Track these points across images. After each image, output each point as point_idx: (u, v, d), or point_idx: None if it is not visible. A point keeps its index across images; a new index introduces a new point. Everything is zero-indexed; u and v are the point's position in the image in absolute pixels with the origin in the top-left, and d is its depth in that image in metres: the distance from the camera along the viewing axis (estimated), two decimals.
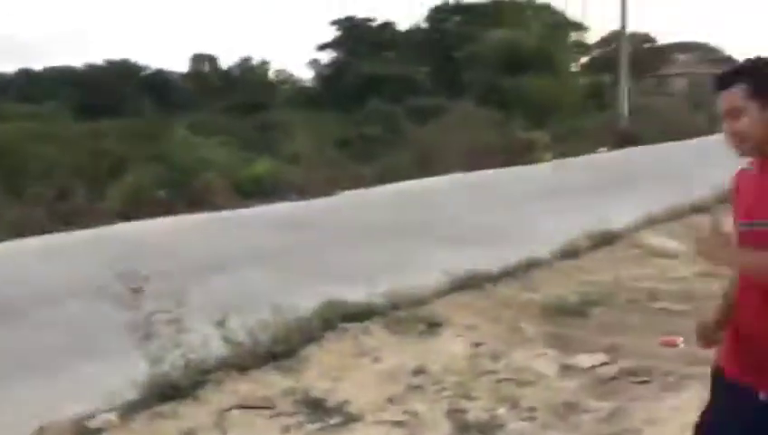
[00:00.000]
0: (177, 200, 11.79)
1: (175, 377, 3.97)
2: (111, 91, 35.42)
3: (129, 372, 3.95)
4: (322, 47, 48.39)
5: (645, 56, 49.18)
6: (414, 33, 48.89)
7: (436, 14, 49.43)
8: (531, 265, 6.62)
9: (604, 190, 11.60)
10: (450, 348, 4.80)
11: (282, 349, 4.47)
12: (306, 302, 5.11)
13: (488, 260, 6.50)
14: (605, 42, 59.09)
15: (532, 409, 3.85)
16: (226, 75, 48.53)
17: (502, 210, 10.76)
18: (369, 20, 49.58)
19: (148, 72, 44.41)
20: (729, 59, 67.93)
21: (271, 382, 4.18)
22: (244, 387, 4.13)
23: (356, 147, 18.69)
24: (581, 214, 8.55)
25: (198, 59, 49.63)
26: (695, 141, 24.37)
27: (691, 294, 5.68)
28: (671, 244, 7.74)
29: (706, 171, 11.86)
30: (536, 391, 4.07)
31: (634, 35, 58.68)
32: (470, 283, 5.98)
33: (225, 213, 10.78)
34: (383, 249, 7.80)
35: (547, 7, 46.86)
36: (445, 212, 10.50)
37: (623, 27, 28.16)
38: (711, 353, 2.07)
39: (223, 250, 7.98)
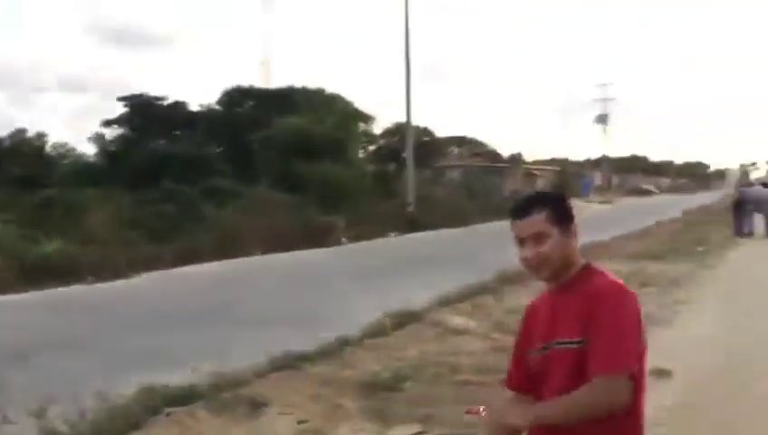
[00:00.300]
0: None
1: None
2: None
3: None
4: (108, 123, 46.65)
5: (425, 149, 53.07)
6: (206, 114, 48.88)
7: (230, 97, 49.98)
8: (343, 344, 6.97)
9: (402, 272, 12.41)
10: (276, 428, 4.94)
11: None
12: (124, 388, 5.01)
13: (300, 340, 6.76)
14: (390, 133, 63.21)
15: None
16: None
17: (307, 292, 11.12)
18: (160, 98, 48.77)
19: None
20: (494, 152, 75.30)
21: None
22: None
23: (151, 227, 18.16)
24: (384, 294, 9.14)
25: None
26: (474, 228, 26.69)
27: (487, 366, 6.33)
28: (464, 321, 8.52)
29: (488, 255, 13.17)
30: None
31: (416, 129, 63.46)
32: (288, 363, 6.19)
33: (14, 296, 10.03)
34: (195, 332, 7.75)
35: (337, 97, 49.31)
36: (252, 293, 10.63)
37: (408, 122, 30.41)
38: None
39: (28, 337, 7.46)
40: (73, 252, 13.29)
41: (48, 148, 47.14)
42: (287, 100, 47.05)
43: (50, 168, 42.90)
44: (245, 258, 16.36)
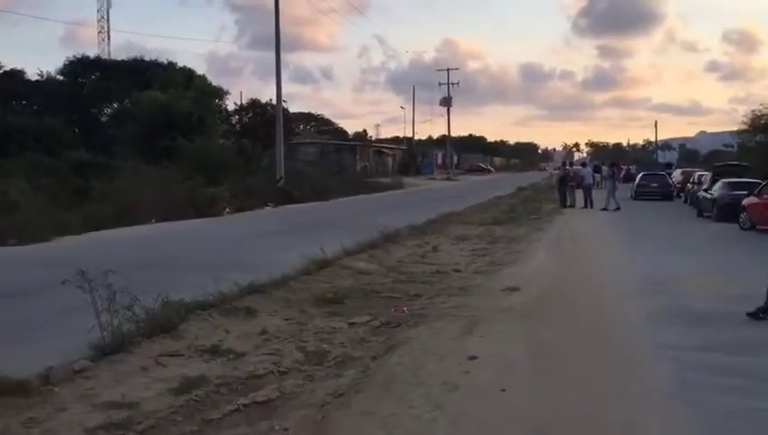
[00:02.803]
0: None
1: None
2: None
3: None
4: None
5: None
6: (47, 84, 47.54)
7: (73, 68, 48.83)
8: (286, 279, 9.34)
9: (298, 234, 14.88)
10: (272, 321, 7.35)
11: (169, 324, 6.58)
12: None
13: (250, 278, 8.91)
14: (244, 109, 64.30)
15: (342, 343, 6.65)
16: None
17: (230, 249, 13.29)
18: None
19: None
20: (341, 130, 78.04)
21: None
22: (158, 346, 6.19)
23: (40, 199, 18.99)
24: (293, 250, 11.37)
25: None
26: (338, 201, 29.34)
27: (395, 290, 9.08)
28: (366, 265, 11.18)
29: (360, 221, 15.96)
30: (339, 335, 6.89)
31: (268, 104, 64.93)
32: (255, 289, 8.51)
33: None
34: (155, 274, 9.71)
35: (189, 71, 49.55)
36: (182, 250, 12.63)
37: (279, 101, 32.19)
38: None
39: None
40: None
41: None
42: (135, 72, 46.93)
43: None
44: (146, 225, 17.99)
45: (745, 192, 18.47)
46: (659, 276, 10.04)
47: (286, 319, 7.52)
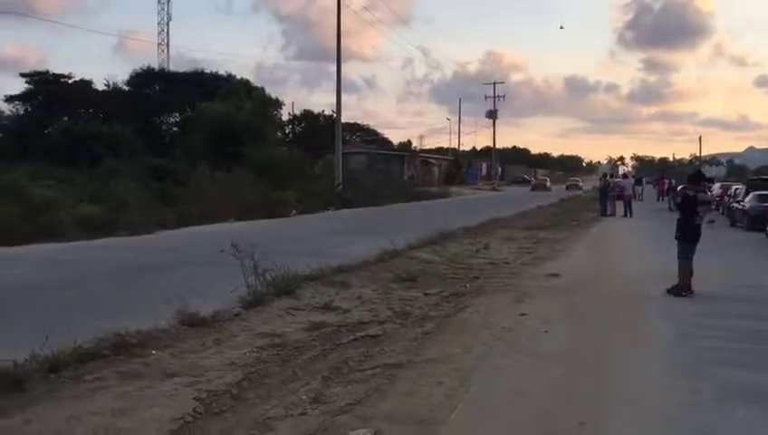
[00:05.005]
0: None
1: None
2: None
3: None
4: (11, 98, 47.49)
5: (330, 133, 57.13)
6: (113, 93, 50.62)
7: (139, 79, 51.92)
8: (366, 264, 11.42)
9: (365, 232, 16.97)
10: (363, 291, 9.43)
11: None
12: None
13: (333, 264, 10.95)
14: (296, 118, 66.93)
15: (420, 307, 8.68)
16: None
17: (318, 240, 15.46)
18: (65, 76, 49.88)
19: None
20: (386, 139, 79.96)
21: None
22: (284, 303, 8.30)
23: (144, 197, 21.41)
24: (366, 243, 13.46)
25: None
26: (391, 207, 31.38)
27: (457, 274, 11.09)
28: (429, 256, 13.22)
29: (418, 223, 17.94)
30: (418, 301, 8.92)
31: (320, 114, 67.29)
32: (344, 269, 10.60)
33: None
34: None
35: (247, 83, 52.32)
36: (274, 243, 14.85)
37: (338, 112, 34.40)
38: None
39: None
40: (102, 213, 16.89)
41: None
42: (195, 83, 49.77)
43: None
44: (225, 223, 20.30)
45: None
46: None
47: (374, 290, 9.59)
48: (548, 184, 67.81)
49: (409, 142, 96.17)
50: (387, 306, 8.57)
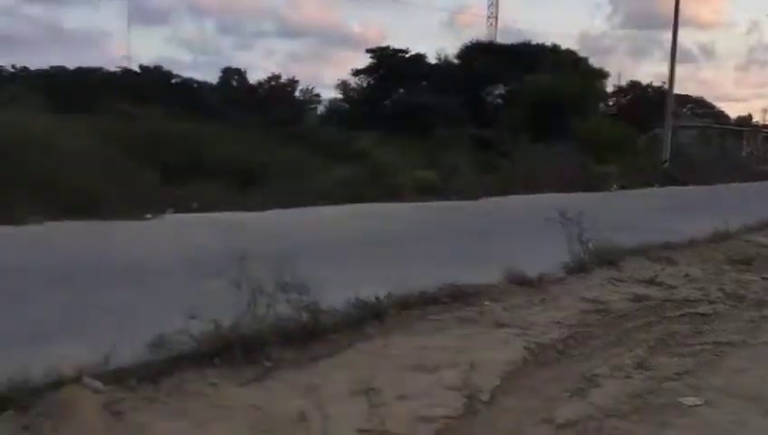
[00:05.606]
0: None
1: None
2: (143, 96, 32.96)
3: None
4: (357, 72, 52.38)
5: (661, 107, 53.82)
6: (443, 67, 53.36)
7: (467, 52, 53.94)
8: (693, 242, 10.93)
9: (689, 212, 16.12)
10: (689, 270, 9.11)
11: None
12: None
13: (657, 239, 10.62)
14: (623, 90, 64.26)
15: (756, 291, 8.15)
16: (254, 90, 52.11)
17: (643, 218, 15.16)
18: (403, 51, 53.75)
19: (177, 79, 47.10)
20: (721, 113, 72.77)
21: None
22: (606, 274, 8.41)
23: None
24: (692, 222, 12.76)
25: (228, 72, 53.38)
26: (722, 186, 28.91)
27: None
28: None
29: (752, 206, 16.33)
30: (753, 285, 8.39)
31: (639, 84, 63.62)
32: (671, 246, 10.28)
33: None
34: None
35: (573, 54, 51.46)
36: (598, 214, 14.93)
37: (671, 84, 32.51)
38: None
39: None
40: (435, 178, 18.43)
41: (296, 93, 53.34)
42: (522, 55, 50.28)
43: (299, 110, 48.78)
44: (545, 194, 20.64)
45: None
46: None
47: (702, 269, 9.22)
48: None
49: (750, 116, 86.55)
50: (717, 287, 8.23)
